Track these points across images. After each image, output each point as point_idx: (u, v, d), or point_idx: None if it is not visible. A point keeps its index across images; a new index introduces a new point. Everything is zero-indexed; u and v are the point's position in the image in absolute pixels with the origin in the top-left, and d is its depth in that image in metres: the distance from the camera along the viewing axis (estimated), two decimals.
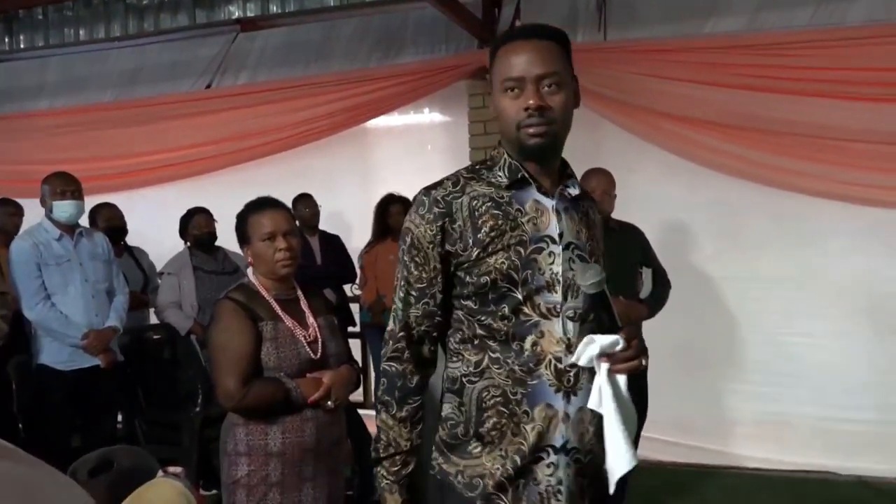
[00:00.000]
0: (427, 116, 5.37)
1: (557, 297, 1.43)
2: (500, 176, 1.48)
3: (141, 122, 5.42)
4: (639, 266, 3.46)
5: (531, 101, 1.41)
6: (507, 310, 1.43)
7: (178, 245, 4.43)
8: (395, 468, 1.51)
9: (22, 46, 5.78)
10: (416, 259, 1.48)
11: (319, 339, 2.27)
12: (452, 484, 1.46)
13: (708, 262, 4.37)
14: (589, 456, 1.46)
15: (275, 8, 5.66)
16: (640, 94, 4.25)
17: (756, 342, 4.27)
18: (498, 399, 1.43)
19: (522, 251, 1.43)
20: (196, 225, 4.30)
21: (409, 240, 1.49)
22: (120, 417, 4.09)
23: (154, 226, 5.00)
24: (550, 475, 1.43)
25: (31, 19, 5.75)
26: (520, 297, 1.42)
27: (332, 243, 4.80)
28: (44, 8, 5.53)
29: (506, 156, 1.49)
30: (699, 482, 4.08)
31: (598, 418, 1.41)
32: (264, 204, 2.34)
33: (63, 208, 3.61)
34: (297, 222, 4.45)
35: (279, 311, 2.25)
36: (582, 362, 1.39)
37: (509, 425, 1.43)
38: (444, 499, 1.48)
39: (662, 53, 4.21)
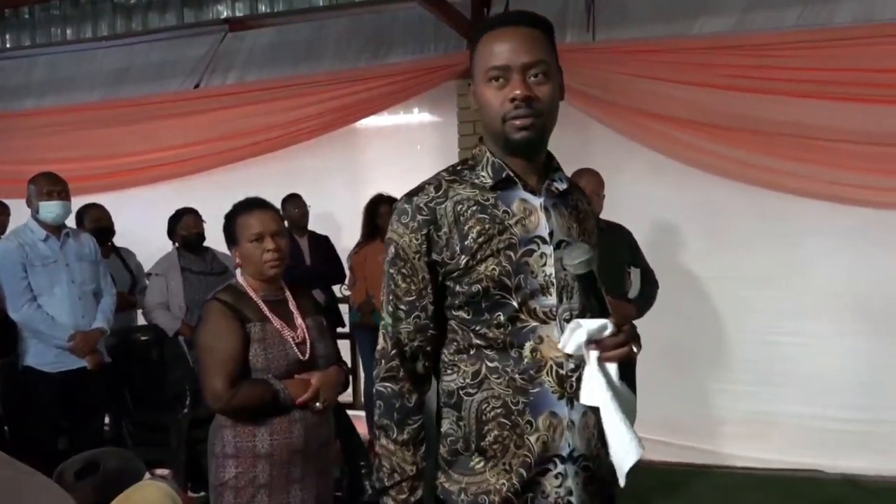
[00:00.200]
0: (416, 116, 5.37)
1: (552, 299, 1.36)
2: (483, 176, 1.41)
3: (129, 121, 5.39)
4: (627, 266, 3.47)
5: (517, 92, 1.33)
6: (502, 317, 1.36)
7: (167, 246, 4.41)
8: (403, 496, 1.39)
9: (8, 46, 5.73)
10: (403, 271, 1.39)
11: (308, 340, 2.27)
12: (456, 503, 1.38)
13: (696, 261, 4.39)
14: (597, 462, 1.40)
15: (263, 7, 5.63)
16: (629, 94, 4.26)
17: (744, 341, 4.29)
18: (499, 410, 1.36)
19: (513, 255, 1.36)
20: (184, 225, 4.29)
21: (393, 251, 1.41)
22: (107, 419, 4.07)
23: (142, 226, 4.97)
24: (559, 486, 1.36)
25: (17, 18, 5.70)
26: (515, 303, 1.35)
27: (321, 244, 4.79)
28: (30, 7, 5.48)
29: (488, 154, 1.42)
30: (689, 481, 4.10)
31: (600, 419, 1.34)
32: (252, 204, 2.33)
33: (49, 209, 3.59)
34: (286, 223, 4.49)
35: (267, 312, 2.24)
36: (569, 350, 1.32)
37: (512, 437, 1.35)
38: None
39: (650, 54, 4.22)
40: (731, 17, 4.24)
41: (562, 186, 1.44)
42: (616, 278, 3.34)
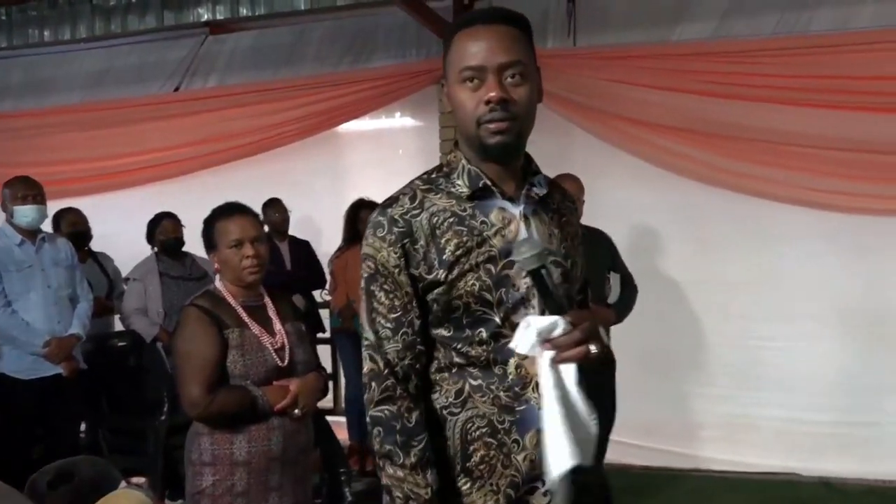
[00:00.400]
0: (398, 121, 5.36)
1: (534, 312, 1.30)
2: (459, 185, 1.34)
3: (107, 125, 5.35)
4: (607, 271, 3.49)
5: (493, 94, 1.27)
6: (484, 334, 1.30)
7: (145, 250, 4.37)
8: None
9: None
10: (385, 286, 1.32)
11: (287, 346, 2.26)
12: None
13: (675, 266, 4.42)
14: (587, 472, 1.33)
15: (244, 11, 5.60)
16: (609, 99, 4.29)
17: (722, 345, 4.33)
18: (484, 430, 1.30)
19: (493, 268, 1.30)
20: (163, 230, 4.26)
21: (372, 266, 1.33)
22: (83, 427, 4.02)
23: (121, 231, 4.92)
24: None
25: None
26: (497, 318, 1.30)
27: (302, 249, 4.78)
28: (7, 8, 5.42)
29: (463, 160, 1.36)
30: (667, 485, 4.12)
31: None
32: (232, 210, 2.32)
33: (24, 213, 3.55)
34: (267, 227, 4.51)
35: (245, 318, 2.23)
36: (521, 350, 1.26)
37: (499, 457, 1.30)
38: None
39: (631, 60, 4.25)
40: (709, 23, 4.28)
41: (541, 191, 1.38)
42: (596, 283, 3.36)
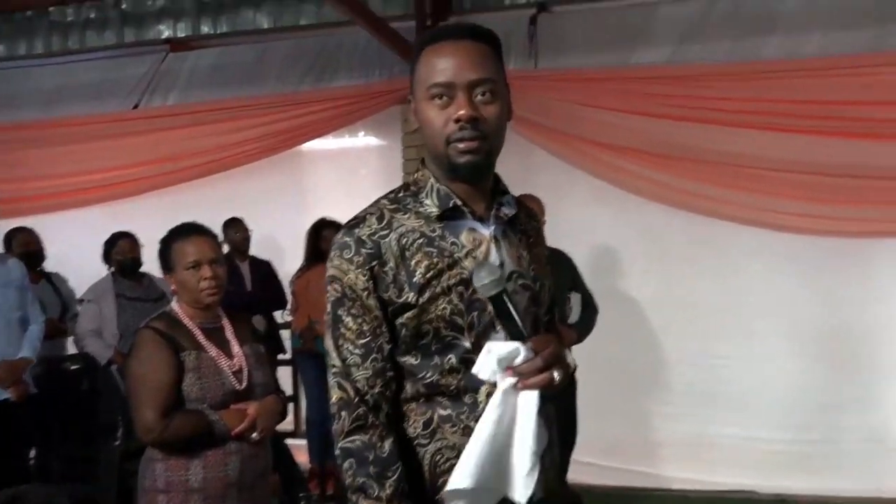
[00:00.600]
0: (361, 140, 5.35)
1: (503, 336, 1.25)
2: (428, 205, 1.30)
3: (63, 142, 5.24)
4: (567, 291, 3.52)
5: (462, 112, 1.24)
6: (454, 360, 1.26)
7: (101, 271, 4.28)
8: None
9: None
10: (353, 311, 1.27)
11: (245, 369, 2.23)
12: None
13: (635, 286, 4.47)
14: (556, 500, 1.34)
15: (206, 28, 5.60)
16: (570, 121, 4.34)
17: (682, 364, 4.38)
18: (454, 462, 1.24)
19: (464, 291, 1.26)
20: (120, 250, 4.18)
21: (339, 290, 1.28)
22: (33, 453, 3.90)
23: (76, 251, 4.82)
24: None
25: None
26: (467, 343, 1.26)
27: (263, 269, 4.72)
28: None
29: (432, 179, 1.32)
30: None
31: (556, 456, 1.25)
32: (189, 231, 2.28)
33: None
34: (228, 247, 4.45)
35: (203, 341, 2.19)
36: (483, 375, 1.22)
37: None
38: None
39: (591, 82, 4.32)
40: (666, 48, 4.37)
41: (510, 212, 1.35)
42: (557, 304, 3.37)
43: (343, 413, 1.27)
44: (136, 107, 5.41)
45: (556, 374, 1.22)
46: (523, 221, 1.41)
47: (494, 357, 1.21)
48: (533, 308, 1.35)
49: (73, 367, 3.98)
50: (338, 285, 1.29)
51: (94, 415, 3.83)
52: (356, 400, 1.26)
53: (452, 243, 1.28)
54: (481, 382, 1.25)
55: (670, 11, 4.46)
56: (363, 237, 1.28)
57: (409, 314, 1.26)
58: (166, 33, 5.64)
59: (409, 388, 1.29)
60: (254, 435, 2.16)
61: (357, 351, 1.27)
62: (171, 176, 5.14)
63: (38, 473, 3.81)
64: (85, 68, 5.67)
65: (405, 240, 1.27)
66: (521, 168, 4.24)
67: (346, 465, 1.27)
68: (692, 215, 4.22)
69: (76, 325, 4.16)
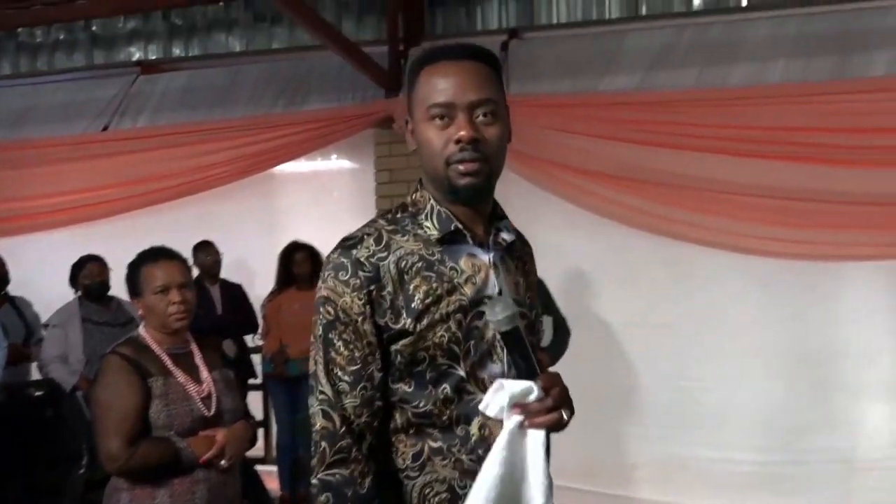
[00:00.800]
0: (334, 163, 5.35)
1: (500, 366, 1.23)
2: (427, 227, 1.26)
3: (31, 164, 5.16)
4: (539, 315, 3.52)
5: (463, 133, 1.21)
6: (448, 390, 1.22)
7: (68, 294, 4.21)
8: None
9: None
10: (345, 336, 1.22)
11: (214, 395, 2.20)
12: None
13: (607, 309, 4.50)
14: None
15: (178, 51, 5.59)
16: (542, 146, 4.38)
17: (654, 386, 4.40)
18: (444, 495, 1.21)
19: (463, 319, 1.22)
20: (88, 273, 4.13)
21: (332, 312, 1.23)
22: None
23: (41, 274, 4.73)
24: None
25: None
26: (462, 372, 1.22)
27: (234, 292, 4.68)
28: None
29: (432, 202, 1.28)
30: None
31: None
32: (158, 254, 2.26)
33: None
34: (198, 270, 4.41)
35: (170, 366, 2.16)
36: (490, 412, 1.19)
37: None
38: None
39: (562, 108, 4.38)
40: (635, 75, 4.44)
41: (509, 237, 1.32)
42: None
43: (324, 444, 1.22)
44: (105, 129, 5.35)
45: (565, 416, 1.20)
46: (518, 248, 1.38)
47: (507, 394, 1.17)
48: (530, 337, 1.32)
49: (37, 394, 3.90)
50: (331, 307, 1.23)
51: (59, 442, 3.74)
52: (341, 431, 1.22)
53: (452, 268, 1.24)
54: (475, 414, 1.22)
55: (639, 39, 4.55)
56: (361, 259, 1.23)
57: (405, 341, 1.22)
58: (137, 55, 5.62)
59: (398, 419, 1.25)
60: (222, 462, 2.13)
61: (346, 378, 1.22)
62: (140, 198, 5.08)
63: (0, 502, 3.71)
64: (53, 90, 5.62)
65: (404, 263, 1.23)
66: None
67: (322, 497, 1.22)
68: (663, 239, 4.27)
69: (41, 351, 4.07)
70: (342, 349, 1.23)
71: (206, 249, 4.61)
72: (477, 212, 1.29)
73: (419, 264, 1.23)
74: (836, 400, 4.13)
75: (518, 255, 1.37)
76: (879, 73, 3.99)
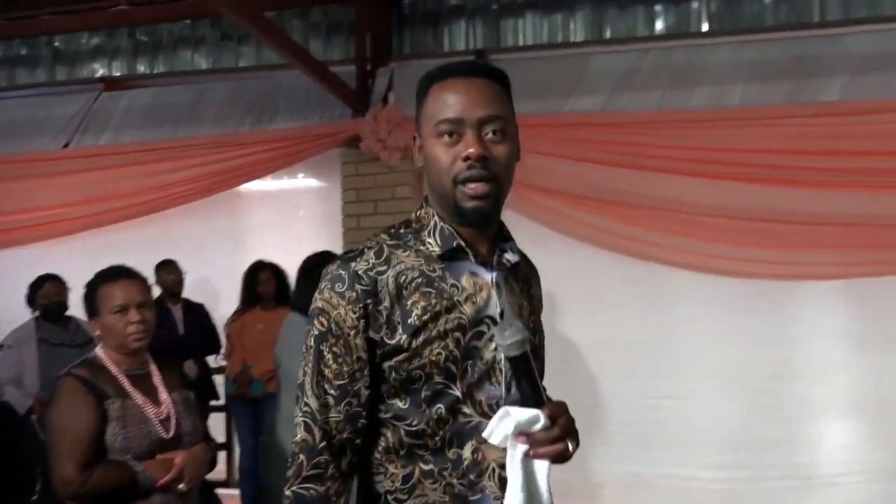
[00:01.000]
0: (300, 182, 5.33)
1: (498, 389, 1.20)
2: (430, 243, 1.24)
3: None
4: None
5: (472, 150, 1.18)
6: (443, 410, 1.19)
7: (25, 314, 4.12)
8: None
9: None
10: (335, 349, 1.20)
11: (173, 417, 2.16)
12: None
13: (572, 328, 4.51)
14: None
15: (143, 68, 5.54)
16: None
17: (619, 405, 4.42)
18: None
19: (462, 338, 1.19)
20: (45, 293, 4.06)
21: (325, 324, 1.20)
22: None
23: None
24: None
25: None
26: (458, 393, 1.19)
27: (196, 312, 4.63)
28: None
29: (436, 218, 1.26)
30: None
31: None
32: (117, 274, 2.23)
33: None
34: (160, 289, 4.34)
35: (128, 388, 2.13)
36: (494, 440, 1.15)
37: None
38: None
39: (527, 128, 4.31)
40: (599, 96, 4.51)
41: (513, 258, 1.29)
42: None
43: (302, 456, 1.20)
44: (66, 146, 5.27)
45: (570, 447, 1.17)
46: (524, 271, 1.36)
47: (512, 422, 1.13)
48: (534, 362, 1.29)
49: None
50: (324, 319, 1.21)
51: (11, 467, 3.63)
52: (321, 445, 1.19)
53: (452, 285, 1.22)
54: (469, 437, 1.19)
55: (604, 61, 4.62)
56: (360, 272, 1.21)
57: (399, 357, 1.19)
58: (100, 72, 5.56)
59: (390, 438, 1.22)
60: (180, 486, 2.09)
61: (332, 392, 1.20)
62: (102, 217, 5.00)
63: None
64: (14, 106, 5.52)
65: (403, 278, 1.21)
66: None
67: None
68: (627, 258, 4.32)
69: None
70: (331, 362, 1.20)
71: (168, 268, 4.56)
72: (482, 232, 1.27)
73: (419, 280, 1.21)
74: (795, 417, 4.19)
75: (523, 278, 1.34)
76: (833, 98, 4.11)
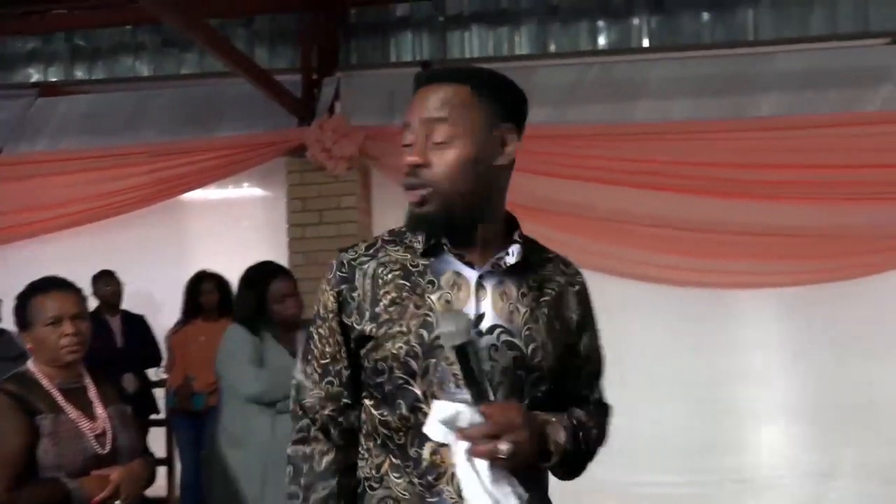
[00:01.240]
0: (246, 191, 5.24)
1: (465, 393, 1.14)
2: (418, 241, 1.23)
3: None
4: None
5: (407, 158, 1.18)
6: (404, 407, 1.17)
7: None
8: None
9: None
10: (321, 330, 1.26)
11: (109, 432, 2.10)
12: None
13: None
14: None
15: (80, 74, 5.39)
16: None
17: None
18: None
19: (426, 335, 1.16)
20: None
21: (316, 308, 1.28)
22: None
23: None
24: None
25: None
26: (418, 391, 1.16)
27: (136, 324, 4.52)
28: None
29: None
30: None
31: None
32: (50, 285, 2.16)
33: None
34: (98, 301, 4.21)
35: (61, 402, 2.05)
36: (434, 436, 1.13)
37: None
38: None
39: None
40: (545, 109, 4.54)
41: (511, 260, 1.21)
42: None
43: (292, 422, 1.30)
44: None
45: (502, 447, 1.09)
46: (548, 277, 1.28)
47: (434, 416, 1.13)
48: (519, 371, 1.20)
49: None
50: (317, 303, 1.29)
51: None
52: (301, 416, 1.28)
53: (430, 281, 1.20)
54: (428, 438, 1.16)
55: (548, 75, 4.70)
56: (345, 261, 1.26)
57: (367, 346, 1.21)
58: (35, 77, 5.38)
59: (369, 424, 1.24)
60: (117, 503, 2.02)
61: (317, 370, 1.27)
62: (36, 226, 4.86)
63: None
64: None
65: (382, 269, 1.23)
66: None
67: (287, 470, 1.29)
68: None
69: None
70: (318, 343, 1.27)
71: (105, 279, 4.45)
72: (471, 234, 1.22)
73: (398, 272, 1.22)
74: (735, 421, 4.30)
75: (536, 285, 1.25)
76: (767, 113, 4.26)
